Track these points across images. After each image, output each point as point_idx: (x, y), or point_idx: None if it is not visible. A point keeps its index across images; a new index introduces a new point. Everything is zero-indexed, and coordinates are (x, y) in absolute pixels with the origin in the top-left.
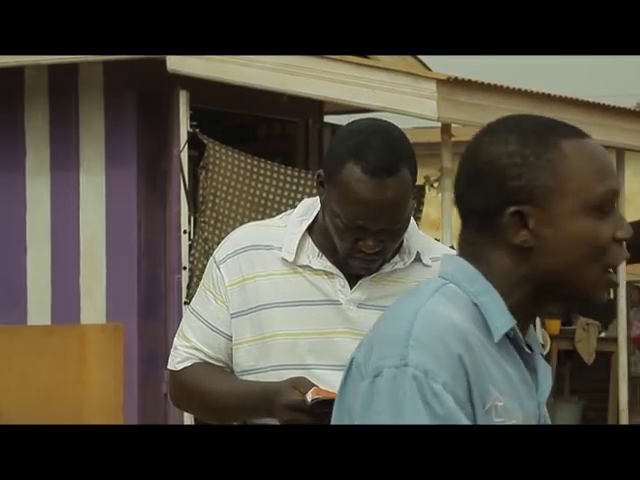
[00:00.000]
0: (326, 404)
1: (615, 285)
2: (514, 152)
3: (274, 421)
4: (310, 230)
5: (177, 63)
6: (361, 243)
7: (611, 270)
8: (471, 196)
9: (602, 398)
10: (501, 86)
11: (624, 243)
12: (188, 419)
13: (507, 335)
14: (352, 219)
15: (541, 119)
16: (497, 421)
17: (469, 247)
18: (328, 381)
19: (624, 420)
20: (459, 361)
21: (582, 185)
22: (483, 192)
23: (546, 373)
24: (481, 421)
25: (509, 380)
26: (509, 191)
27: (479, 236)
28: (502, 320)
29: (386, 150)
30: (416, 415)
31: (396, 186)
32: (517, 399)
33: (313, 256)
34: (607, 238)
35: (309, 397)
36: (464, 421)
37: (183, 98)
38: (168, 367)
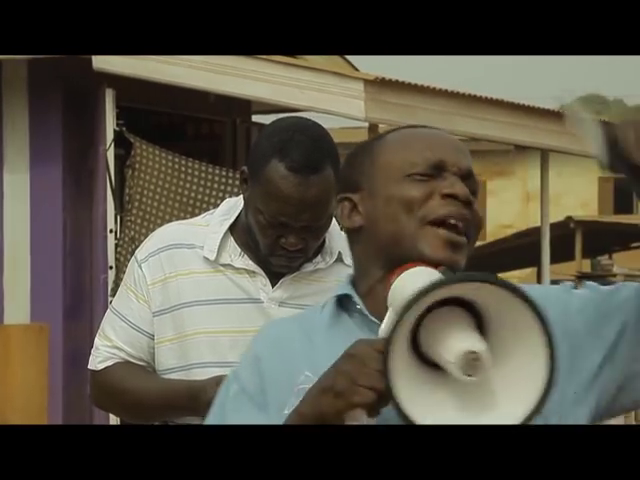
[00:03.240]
0: None
1: (445, 237)
2: (350, 154)
3: (197, 420)
4: (232, 229)
5: (103, 61)
6: (283, 240)
7: (442, 229)
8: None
9: None
10: (428, 87)
11: (455, 202)
12: (114, 420)
13: (355, 312)
14: (275, 216)
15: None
16: None
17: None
18: None
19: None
20: (255, 360)
21: (392, 158)
22: (338, 192)
23: None
24: (287, 405)
25: (334, 351)
26: (342, 185)
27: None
28: (332, 294)
29: (310, 148)
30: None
31: (319, 184)
32: None
33: (235, 255)
34: (418, 195)
35: None
36: (229, 409)
37: (109, 96)
38: (89, 367)
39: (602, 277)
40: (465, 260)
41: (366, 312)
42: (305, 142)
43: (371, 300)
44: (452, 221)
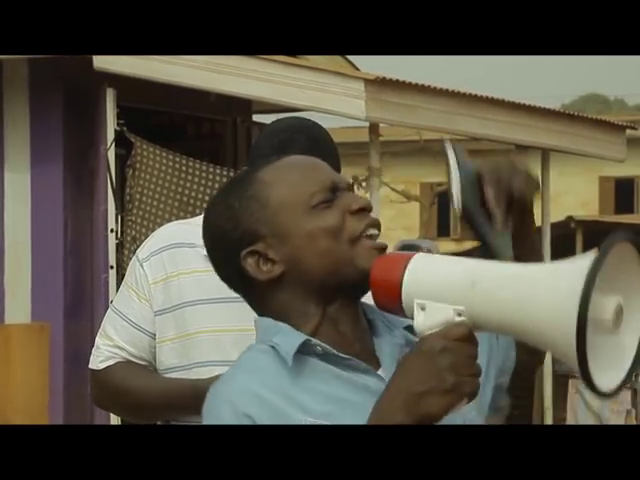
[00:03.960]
0: None
1: (377, 247)
2: (222, 210)
3: (200, 419)
4: None
5: (103, 61)
6: None
7: (365, 239)
8: (219, 265)
9: (527, 396)
10: (429, 86)
11: (364, 212)
12: (114, 420)
13: (317, 354)
14: None
15: (248, 166)
16: None
17: (255, 304)
18: None
19: (549, 418)
20: (247, 420)
21: (288, 197)
22: (222, 257)
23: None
24: None
25: (331, 399)
26: (233, 244)
27: (249, 298)
28: (288, 343)
29: (310, 148)
30: None
31: None
32: (351, 410)
33: None
34: (334, 219)
35: None
36: None
37: (110, 96)
38: (90, 366)
39: None
40: None
41: (337, 352)
42: (305, 142)
43: (325, 339)
44: (372, 231)
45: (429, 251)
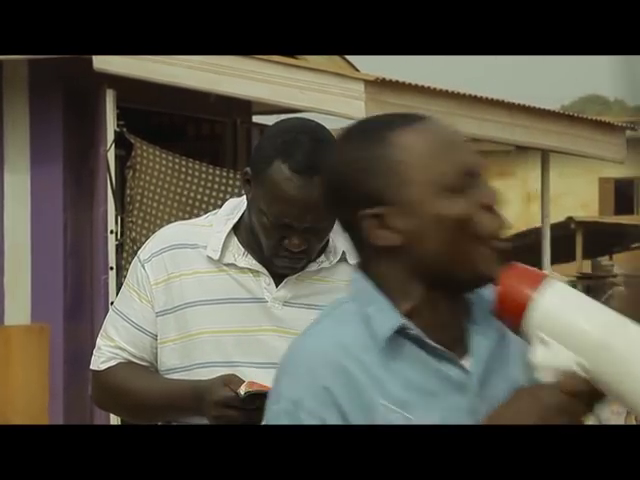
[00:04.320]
0: (259, 398)
1: (501, 251)
2: (352, 159)
3: (201, 420)
4: (236, 229)
5: (103, 61)
6: (287, 242)
7: (493, 241)
8: (334, 211)
9: None
10: (428, 87)
11: (495, 209)
12: (114, 421)
13: (409, 337)
14: (278, 217)
15: (381, 117)
16: None
17: (359, 261)
18: (254, 379)
19: None
20: (325, 392)
21: (424, 170)
22: (340, 206)
23: (503, 361)
24: None
25: (411, 385)
26: (355, 199)
27: (357, 249)
28: (383, 324)
29: (314, 149)
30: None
31: (323, 185)
32: (427, 400)
33: (239, 254)
34: (467, 211)
35: (242, 390)
36: None
37: (110, 97)
38: (91, 367)
39: (603, 278)
40: None
41: (428, 341)
42: (308, 143)
43: (419, 321)
44: (501, 234)
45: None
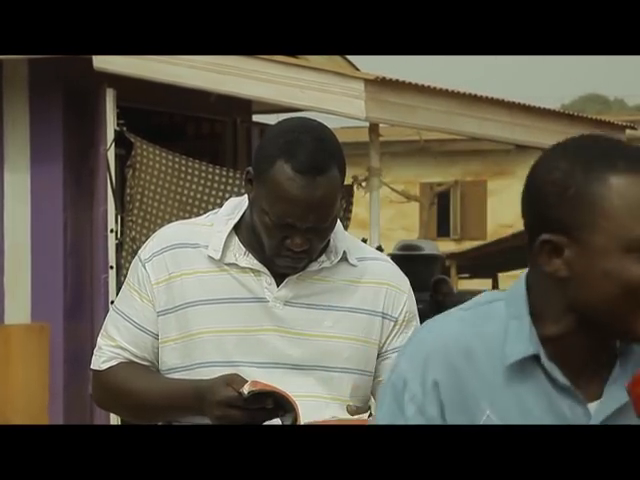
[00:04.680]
0: (263, 397)
1: None
2: (559, 181)
3: (202, 420)
4: (237, 229)
5: (103, 61)
6: (289, 241)
7: None
8: (523, 213)
9: None
10: (428, 86)
11: None
12: (114, 421)
13: (539, 364)
14: (281, 217)
15: (604, 144)
16: None
17: (529, 266)
18: (255, 378)
19: None
20: (433, 386)
21: (621, 225)
22: (529, 213)
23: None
24: None
25: (522, 408)
26: (546, 219)
27: (529, 256)
28: (517, 347)
29: (316, 149)
30: (387, 415)
31: (325, 185)
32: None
33: (240, 254)
34: None
35: (246, 389)
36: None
37: (110, 96)
38: (92, 367)
39: None
40: None
41: (556, 375)
42: (311, 143)
43: (556, 348)
44: None
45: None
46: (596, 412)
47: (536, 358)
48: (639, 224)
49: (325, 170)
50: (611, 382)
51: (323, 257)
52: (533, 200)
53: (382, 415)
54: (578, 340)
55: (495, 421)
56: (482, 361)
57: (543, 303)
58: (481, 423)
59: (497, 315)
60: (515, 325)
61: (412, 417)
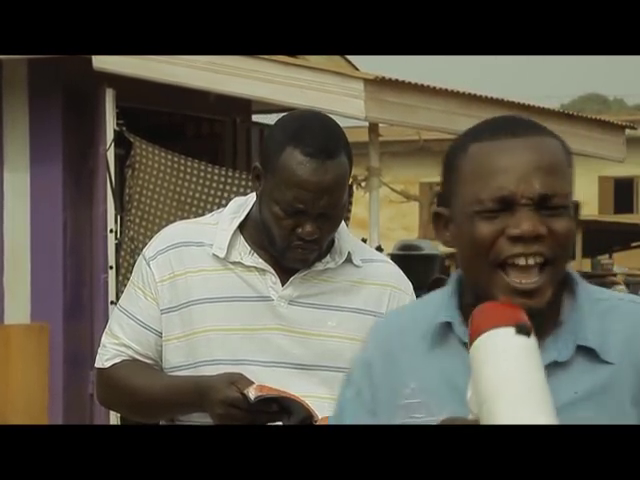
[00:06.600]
0: (270, 402)
1: (514, 289)
2: (445, 158)
3: (204, 418)
4: (242, 227)
5: (103, 61)
6: (299, 230)
7: (512, 272)
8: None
9: None
10: (428, 86)
11: (524, 240)
12: (114, 421)
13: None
14: (292, 203)
15: (484, 121)
16: (416, 416)
17: None
18: (259, 377)
19: None
20: (367, 367)
21: (471, 189)
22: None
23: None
24: (395, 417)
25: (444, 377)
26: (439, 195)
27: None
28: (434, 316)
29: (325, 134)
30: (340, 398)
31: (335, 169)
32: (454, 396)
33: (245, 253)
34: (486, 237)
35: (252, 395)
36: (347, 414)
37: (109, 96)
38: (96, 365)
39: (602, 277)
40: (550, 290)
41: (467, 341)
42: (319, 129)
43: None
44: (521, 262)
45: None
46: None
47: (452, 325)
48: (479, 186)
49: (334, 155)
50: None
51: (328, 258)
52: (440, 182)
53: (339, 399)
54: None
55: (419, 392)
56: (411, 337)
57: (465, 279)
58: (405, 395)
59: (437, 294)
60: (439, 297)
61: (350, 399)
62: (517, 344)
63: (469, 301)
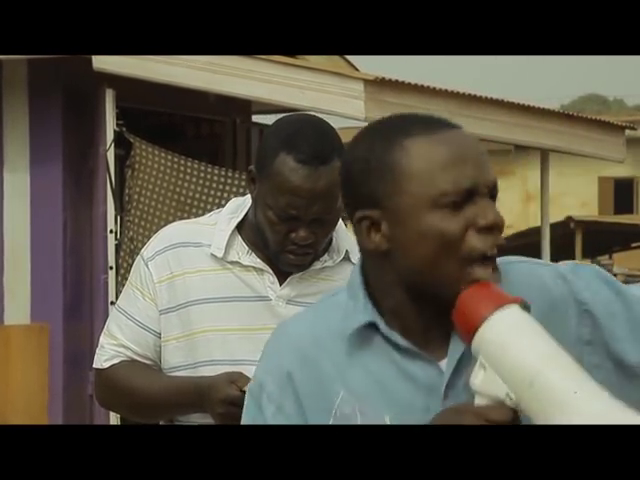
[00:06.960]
0: None
1: (480, 280)
2: (360, 158)
3: (204, 418)
4: (240, 228)
5: (103, 61)
6: (294, 235)
7: (481, 265)
8: (342, 198)
9: None
10: (428, 86)
11: (492, 232)
12: (114, 421)
13: (379, 334)
14: (285, 209)
15: (401, 117)
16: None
17: (360, 255)
18: None
19: None
20: (287, 378)
21: (422, 184)
22: (345, 196)
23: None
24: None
25: (372, 379)
26: (358, 197)
27: (358, 244)
28: (352, 320)
29: (318, 140)
30: (249, 421)
31: (328, 175)
32: (386, 397)
33: (243, 253)
34: (456, 231)
35: None
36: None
37: (109, 97)
38: (94, 366)
39: None
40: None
41: (396, 339)
42: (312, 134)
43: (396, 319)
44: (492, 252)
45: None
46: (446, 367)
47: (374, 327)
48: (438, 179)
49: (327, 160)
50: (454, 339)
51: (326, 256)
52: (345, 182)
53: (245, 422)
54: (414, 308)
55: (350, 399)
56: (329, 345)
57: (376, 280)
58: (336, 405)
59: (339, 302)
60: (353, 303)
61: (272, 417)
62: (529, 319)
63: (390, 304)
